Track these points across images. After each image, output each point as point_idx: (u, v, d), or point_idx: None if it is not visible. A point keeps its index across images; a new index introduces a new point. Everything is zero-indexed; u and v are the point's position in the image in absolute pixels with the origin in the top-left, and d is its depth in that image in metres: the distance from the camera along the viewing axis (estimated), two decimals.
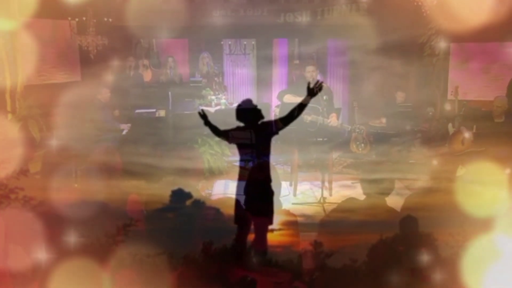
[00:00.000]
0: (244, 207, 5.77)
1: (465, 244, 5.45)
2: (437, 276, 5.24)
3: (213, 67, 11.65)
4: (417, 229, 5.79)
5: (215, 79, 11.40)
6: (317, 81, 5.75)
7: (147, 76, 11.12)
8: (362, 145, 9.44)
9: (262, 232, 5.79)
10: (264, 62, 12.52)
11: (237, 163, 5.93)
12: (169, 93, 10.06)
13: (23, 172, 5.64)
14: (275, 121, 5.83)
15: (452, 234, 5.58)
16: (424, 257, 5.24)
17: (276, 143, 6.24)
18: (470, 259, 5.31)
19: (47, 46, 10.09)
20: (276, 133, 5.84)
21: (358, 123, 9.61)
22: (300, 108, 5.74)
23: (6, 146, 7.11)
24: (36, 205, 5.56)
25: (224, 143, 7.85)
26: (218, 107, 10.66)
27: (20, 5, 8.97)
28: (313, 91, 5.70)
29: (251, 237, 5.80)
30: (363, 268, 5.22)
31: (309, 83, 5.77)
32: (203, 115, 5.69)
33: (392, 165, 8.96)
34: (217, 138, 6.18)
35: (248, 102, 5.84)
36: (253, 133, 5.75)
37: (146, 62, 11.20)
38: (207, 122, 5.70)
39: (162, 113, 9.81)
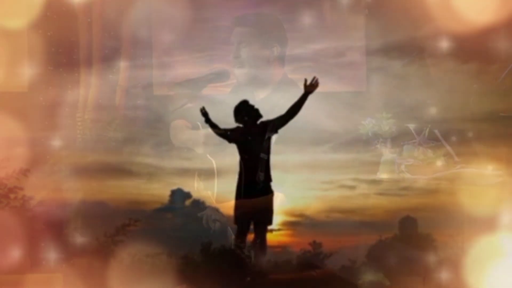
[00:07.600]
0: (243, 207, 5.79)
1: (464, 244, 5.46)
2: (436, 276, 5.24)
3: None
4: (416, 229, 5.79)
5: None
6: (313, 77, 5.75)
7: None
8: None
9: (261, 232, 5.81)
10: None
11: (237, 163, 5.93)
12: None
13: (23, 172, 5.65)
14: (274, 120, 5.83)
15: (451, 234, 5.58)
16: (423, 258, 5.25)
17: None
18: (470, 260, 5.31)
19: None
20: (276, 132, 5.85)
21: None
22: (298, 106, 5.75)
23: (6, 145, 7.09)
24: (35, 205, 5.57)
25: None
26: None
27: None
28: (310, 88, 5.72)
29: (250, 237, 5.81)
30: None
31: (305, 80, 5.75)
32: (205, 113, 5.70)
33: None
34: None
35: (245, 102, 5.83)
36: (253, 133, 5.77)
37: None
38: (208, 120, 5.72)
39: None
